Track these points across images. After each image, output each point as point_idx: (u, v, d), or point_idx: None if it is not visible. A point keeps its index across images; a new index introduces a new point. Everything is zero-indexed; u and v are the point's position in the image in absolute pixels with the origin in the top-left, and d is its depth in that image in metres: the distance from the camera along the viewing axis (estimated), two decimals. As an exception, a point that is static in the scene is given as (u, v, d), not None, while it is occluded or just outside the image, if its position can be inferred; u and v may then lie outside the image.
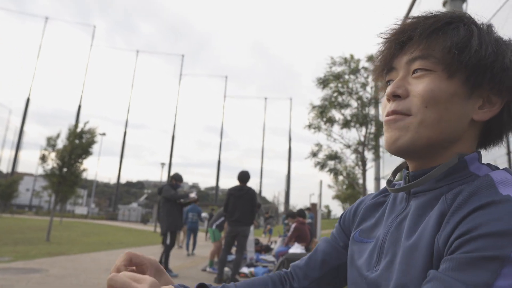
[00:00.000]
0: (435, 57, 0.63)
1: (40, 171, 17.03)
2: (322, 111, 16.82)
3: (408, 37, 0.66)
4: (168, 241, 6.77)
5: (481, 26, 0.65)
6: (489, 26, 0.66)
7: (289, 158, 57.88)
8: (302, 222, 8.14)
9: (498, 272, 0.45)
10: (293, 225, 8.05)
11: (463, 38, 0.62)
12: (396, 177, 0.81)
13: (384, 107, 0.70)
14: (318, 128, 17.14)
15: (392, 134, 0.65)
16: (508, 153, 5.98)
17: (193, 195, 7.58)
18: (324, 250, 0.87)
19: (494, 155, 6.48)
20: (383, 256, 0.66)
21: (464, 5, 5.01)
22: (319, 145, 17.24)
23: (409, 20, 0.68)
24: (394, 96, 0.66)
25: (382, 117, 0.71)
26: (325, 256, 0.85)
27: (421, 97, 0.63)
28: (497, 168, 0.64)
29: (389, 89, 0.66)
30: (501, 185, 0.55)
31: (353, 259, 0.76)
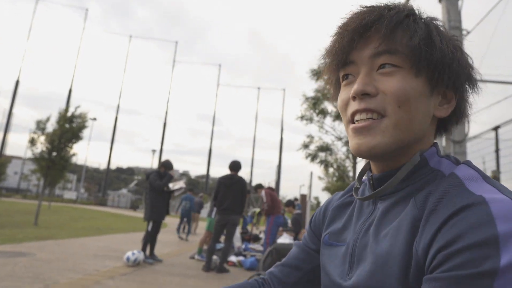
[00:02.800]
0: (402, 52, 0.61)
1: (29, 154, 16.86)
2: (315, 103, 16.89)
3: (373, 30, 0.62)
4: (149, 228, 6.78)
5: (429, 19, 0.65)
6: (435, 19, 0.66)
7: (281, 148, 58.01)
8: (271, 188, 8.28)
9: None
10: (263, 192, 8.11)
11: (424, 32, 0.61)
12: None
13: (345, 105, 0.67)
14: (310, 120, 17.23)
15: (366, 141, 0.62)
16: (497, 150, 6.07)
17: (178, 185, 7.55)
18: (296, 256, 0.87)
19: (482, 152, 6.57)
20: (355, 263, 0.65)
21: (459, 1, 5.01)
22: (310, 137, 17.33)
23: (365, 9, 0.65)
24: (362, 95, 0.62)
25: (343, 115, 0.68)
26: (298, 262, 0.86)
27: (394, 96, 0.60)
28: (457, 161, 0.65)
29: (357, 86, 0.62)
30: (469, 182, 0.56)
31: (324, 263, 0.75)
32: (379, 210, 0.66)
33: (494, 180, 0.58)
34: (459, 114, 0.68)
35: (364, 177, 0.79)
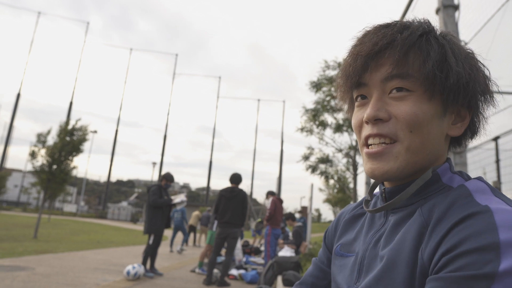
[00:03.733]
0: (414, 76, 0.61)
1: (29, 167, 16.83)
2: (315, 115, 16.93)
3: (384, 52, 0.62)
4: (151, 241, 6.75)
5: (445, 35, 0.64)
6: (451, 35, 0.66)
7: (281, 160, 57.92)
8: (279, 199, 8.22)
9: None
10: (271, 199, 8.07)
11: (438, 54, 0.61)
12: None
13: (359, 126, 0.67)
14: (310, 132, 17.24)
15: (380, 165, 0.63)
16: (497, 161, 6.06)
17: (179, 199, 7.53)
18: (311, 273, 0.89)
19: (483, 163, 6.56)
20: (363, 273, 0.66)
21: (456, 13, 5.06)
22: (311, 149, 17.32)
23: (378, 31, 0.64)
24: (375, 120, 0.63)
25: (358, 136, 0.69)
26: (313, 279, 0.87)
27: (406, 122, 0.61)
28: (469, 177, 0.65)
29: (370, 111, 0.63)
30: (477, 194, 0.57)
31: (334, 273, 0.76)
32: (390, 223, 0.66)
33: (503, 194, 0.58)
34: (473, 129, 0.68)
35: (376, 190, 0.80)
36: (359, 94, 0.68)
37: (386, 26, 0.65)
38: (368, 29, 0.67)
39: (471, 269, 0.46)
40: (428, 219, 0.58)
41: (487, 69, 0.66)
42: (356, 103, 0.69)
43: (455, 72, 0.60)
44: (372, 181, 0.76)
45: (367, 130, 0.65)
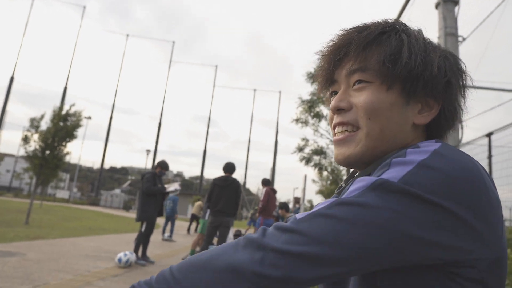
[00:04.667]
0: (372, 69, 0.67)
1: (22, 152, 16.71)
2: (310, 106, 16.90)
3: (344, 53, 0.69)
4: (143, 229, 6.75)
5: (412, 33, 0.69)
6: (419, 32, 0.70)
7: (275, 151, 58.07)
8: (273, 189, 8.25)
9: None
10: (264, 189, 8.09)
11: (394, 49, 0.66)
12: None
13: (331, 119, 0.74)
14: (305, 123, 17.23)
15: (342, 151, 0.70)
16: (490, 157, 6.10)
17: (173, 187, 7.52)
18: None
19: (476, 158, 6.59)
20: None
21: (456, 8, 5.04)
22: (305, 140, 17.33)
23: (342, 34, 0.71)
24: (338, 110, 0.70)
25: (331, 128, 0.76)
26: None
27: (363, 110, 0.67)
28: None
29: (333, 102, 0.71)
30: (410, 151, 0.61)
31: None
32: None
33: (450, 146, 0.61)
34: (448, 119, 0.71)
35: None
36: (333, 90, 0.75)
37: (350, 28, 0.72)
38: (338, 32, 0.74)
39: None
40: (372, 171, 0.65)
41: (463, 63, 0.71)
42: (331, 99, 0.76)
43: (405, 64, 0.65)
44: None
45: (334, 120, 0.73)
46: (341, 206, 0.53)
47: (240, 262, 0.54)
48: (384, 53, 0.66)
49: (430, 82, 0.66)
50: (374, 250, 0.51)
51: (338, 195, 0.79)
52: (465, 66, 0.71)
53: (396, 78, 0.66)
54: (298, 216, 0.56)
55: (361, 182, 0.56)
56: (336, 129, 0.72)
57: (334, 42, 0.72)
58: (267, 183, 8.83)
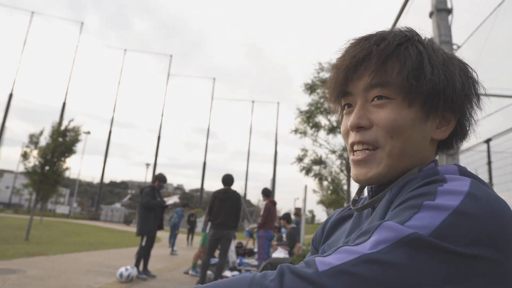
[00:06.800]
0: (393, 84, 0.64)
1: (21, 168, 16.67)
2: (309, 116, 16.97)
3: (364, 66, 0.66)
4: (143, 243, 6.71)
5: (427, 43, 0.67)
6: (433, 42, 0.68)
7: (275, 161, 57.98)
8: (273, 201, 8.20)
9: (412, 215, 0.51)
10: (265, 203, 8.05)
11: (415, 62, 0.63)
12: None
13: (346, 134, 0.71)
14: (304, 133, 17.27)
15: (363, 172, 0.67)
16: (489, 163, 6.10)
17: (172, 200, 7.50)
18: None
19: (475, 164, 6.60)
20: None
21: (449, 17, 5.11)
22: (304, 150, 17.35)
23: (358, 44, 0.68)
24: (358, 127, 0.67)
25: (346, 142, 0.73)
26: None
27: (385, 128, 0.64)
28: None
29: (353, 119, 0.67)
30: (443, 171, 0.60)
31: None
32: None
33: (474, 175, 0.60)
34: (461, 132, 0.70)
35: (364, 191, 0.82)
36: (346, 103, 0.71)
37: (366, 38, 0.68)
38: (351, 41, 0.70)
39: (406, 204, 0.54)
40: (395, 195, 0.62)
41: (475, 72, 0.68)
42: (344, 111, 0.72)
43: (429, 80, 0.63)
44: None
45: (352, 137, 0.68)
46: (369, 264, 0.48)
47: None
48: (407, 68, 0.63)
49: (451, 97, 0.64)
50: None
51: (353, 206, 0.77)
52: (477, 75, 0.69)
53: (420, 95, 0.63)
54: (320, 265, 0.51)
55: (389, 232, 0.50)
56: (355, 147, 0.68)
57: (350, 53, 0.67)
58: (268, 193, 8.75)
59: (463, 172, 0.61)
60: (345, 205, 0.94)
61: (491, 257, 0.49)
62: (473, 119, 0.70)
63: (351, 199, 0.81)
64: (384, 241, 0.49)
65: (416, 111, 0.65)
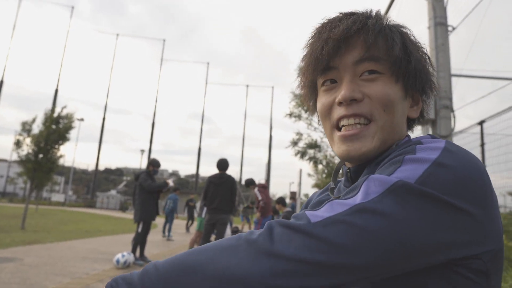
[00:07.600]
0: (385, 59, 0.65)
1: (14, 156, 16.57)
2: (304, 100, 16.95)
3: (354, 36, 0.65)
4: (139, 229, 6.74)
5: (402, 26, 0.70)
6: (403, 26, 0.70)
7: (270, 146, 58.07)
8: (263, 186, 8.24)
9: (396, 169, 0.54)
10: (256, 189, 8.08)
11: (401, 42, 0.66)
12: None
13: (328, 110, 0.69)
14: (299, 117, 17.27)
15: (356, 146, 0.65)
16: (482, 145, 6.14)
17: (170, 183, 7.51)
18: None
19: (468, 146, 6.64)
20: None
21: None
22: (299, 134, 17.38)
23: (348, 17, 0.66)
24: (350, 100, 0.65)
25: (326, 119, 0.70)
26: None
27: (380, 101, 0.65)
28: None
29: (345, 92, 0.65)
30: (417, 139, 0.64)
31: None
32: None
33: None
34: (422, 113, 0.74)
35: (339, 178, 0.83)
36: (328, 78, 0.69)
37: (352, 14, 0.68)
38: (332, 17, 0.69)
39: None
40: (374, 168, 0.64)
41: (429, 57, 0.72)
42: (323, 88, 0.70)
43: (415, 57, 0.66)
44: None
45: (339, 111, 0.67)
46: (362, 213, 0.50)
47: (244, 271, 0.48)
48: (396, 44, 0.65)
49: (425, 77, 0.68)
50: (394, 259, 0.50)
51: (331, 194, 0.78)
52: (430, 60, 0.72)
53: (406, 71, 0.66)
54: (312, 217, 0.52)
55: (377, 182, 0.52)
56: (344, 121, 0.66)
57: (342, 24, 0.65)
58: (252, 182, 8.76)
59: (435, 136, 0.64)
60: None
61: (470, 211, 0.51)
62: (427, 102, 0.74)
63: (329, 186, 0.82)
64: (373, 192, 0.52)
65: (400, 88, 0.67)
